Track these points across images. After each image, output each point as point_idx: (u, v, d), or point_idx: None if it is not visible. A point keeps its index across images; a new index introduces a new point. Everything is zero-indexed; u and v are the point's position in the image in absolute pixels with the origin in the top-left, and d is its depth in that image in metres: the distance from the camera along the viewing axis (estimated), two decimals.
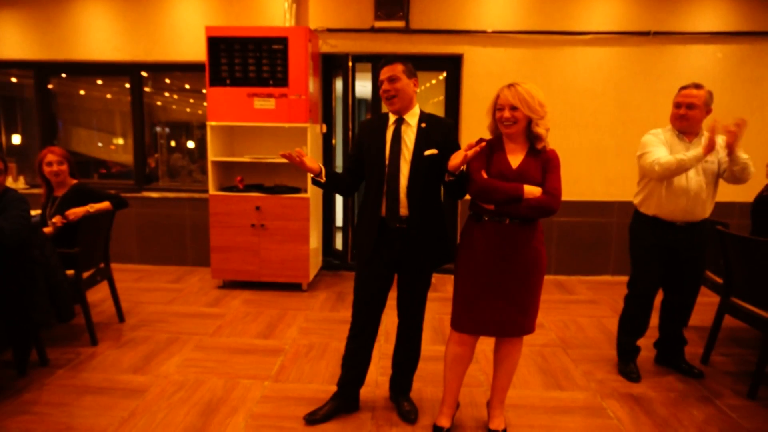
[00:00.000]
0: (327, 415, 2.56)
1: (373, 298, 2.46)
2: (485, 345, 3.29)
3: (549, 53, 4.98)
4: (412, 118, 2.39)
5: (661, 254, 2.93)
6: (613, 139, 5.00)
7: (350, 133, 5.17)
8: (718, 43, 4.91)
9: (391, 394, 2.74)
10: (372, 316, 2.49)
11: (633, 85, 4.97)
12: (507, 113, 2.18)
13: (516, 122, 2.18)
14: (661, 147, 2.80)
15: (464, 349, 2.40)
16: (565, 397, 2.85)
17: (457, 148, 2.34)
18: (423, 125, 2.37)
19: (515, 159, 2.25)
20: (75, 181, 3.54)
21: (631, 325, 3.08)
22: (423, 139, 2.35)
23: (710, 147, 2.57)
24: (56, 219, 3.31)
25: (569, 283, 4.97)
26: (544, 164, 2.23)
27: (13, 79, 5.96)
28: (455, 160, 2.16)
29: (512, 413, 2.65)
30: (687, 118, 2.77)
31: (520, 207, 2.17)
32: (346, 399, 2.62)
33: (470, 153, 2.12)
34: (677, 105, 2.82)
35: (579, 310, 4.24)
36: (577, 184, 4.93)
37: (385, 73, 2.35)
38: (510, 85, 2.20)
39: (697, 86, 2.78)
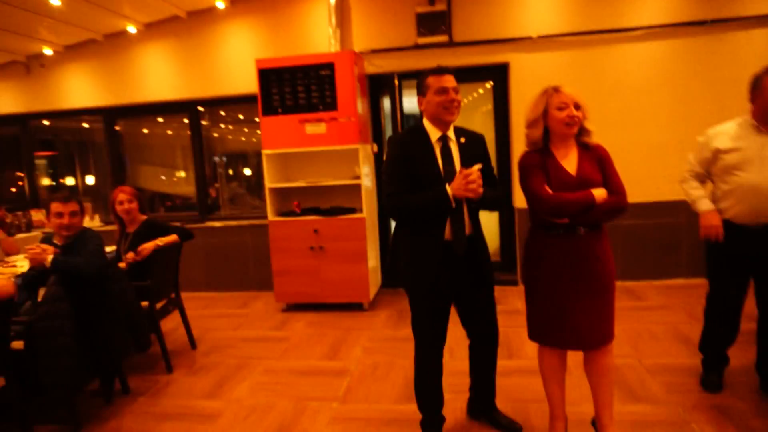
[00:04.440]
0: None
1: (439, 322, 2.39)
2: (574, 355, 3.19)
3: (599, 53, 4.84)
4: (451, 132, 2.33)
5: (737, 261, 2.68)
6: (674, 135, 4.76)
7: None
8: None
9: (472, 413, 2.69)
10: (438, 336, 2.41)
11: (692, 78, 4.73)
12: (574, 111, 2.15)
13: (579, 122, 2.17)
14: (701, 164, 2.71)
15: (557, 356, 2.35)
16: (645, 410, 2.70)
17: (489, 159, 2.41)
18: (462, 140, 2.34)
19: (570, 164, 2.21)
20: (145, 217, 3.74)
21: (712, 334, 2.87)
22: (466, 153, 2.31)
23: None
24: (129, 255, 3.50)
25: (638, 289, 4.76)
26: (598, 162, 2.21)
27: (85, 125, 6.41)
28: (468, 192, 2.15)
29: (587, 430, 2.54)
30: None
31: (593, 213, 2.12)
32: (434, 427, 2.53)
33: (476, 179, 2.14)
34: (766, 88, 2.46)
35: (651, 317, 4.04)
36: (640, 185, 4.72)
37: (450, 81, 2.24)
38: (556, 88, 2.19)
39: None
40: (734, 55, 4.67)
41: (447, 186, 2.17)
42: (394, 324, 4.28)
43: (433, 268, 2.27)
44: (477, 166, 2.20)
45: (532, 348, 3.40)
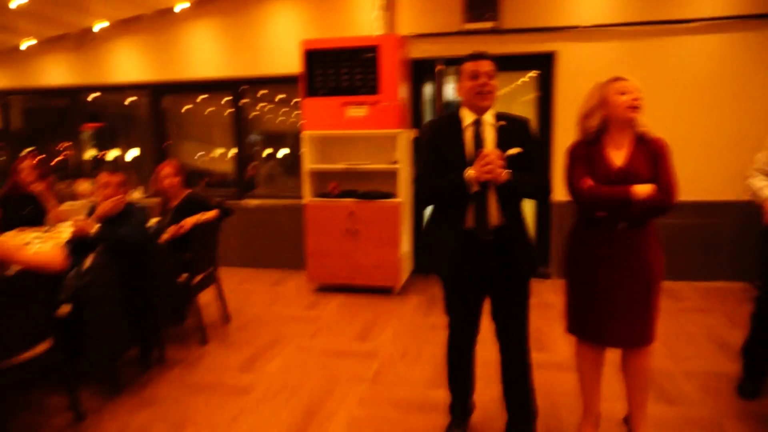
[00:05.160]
0: None
1: (467, 311, 2.33)
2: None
3: (651, 45, 4.66)
4: (490, 117, 2.23)
5: None
6: (731, 133, 4.57)
7: None
8: None
9: None
10: (469, 327, 2.37)
11: (754, 74, 4.51)
12: (637, 94, 2.11)
13: (641, 107, 2.13)
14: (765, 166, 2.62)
15: (595, 352, 2.32)
16: (677, 413, 2.65)
17: (535, 145, 2.27)
18: (502, 123, 2.23)
19: (620, 156, 2.16)
20: (187, 191, 3.82)
21: (758, 339, 2.77)
22: (504, 138, 2.19)
23: None
24: (172, 228, 3.59)
25: (678, 289, 4.63)
26: (653, 156, 2.14)
27: (131, 99, 6.58)
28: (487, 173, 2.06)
29: (615, 428, 2.50)
30: None
31: (633, 209, 2.07)
32: (461, 416, 2.49)
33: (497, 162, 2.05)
34: None
35: (689, 319, 3.93)
36: (690, 183, 4.55)
37: (484, 66, 2.17)
38: (616, 78, 2.18)
39: None
40: None
41: (467, 169, 2.11)
42: (424, 311, 4.29)
43: (455, 255, 2.21)
44: (513, 151, 2.14)
45: (563, 343, 3.38)
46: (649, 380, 2.30)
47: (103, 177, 3.11)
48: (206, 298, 4.43)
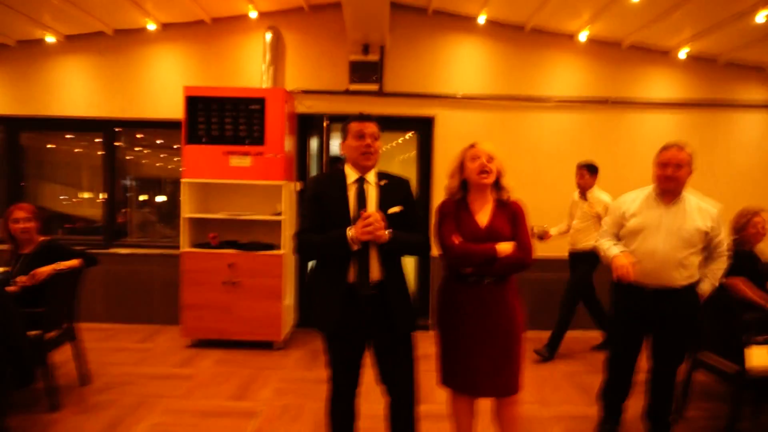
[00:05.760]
0: None
1: (349, 366, 2.32)
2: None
3: (516, 117, 5.24)
4: (372, 175, 2.33)
5: (635, 318, 2.85)
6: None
7: None
8: (671, 111, 5.29)
9: None
10: (351, 381, 2.36)
11: (594, 148, 5.22)
12: (485, 160, 2.29)
13: (491, 172, 2.30)
14: (613, 224, 2.91)
15: (466, 402, 2.41)
16: None
17: (413, 203, 2.39)
18: (383, 182, 2.34)
19: (483, 216, 2.35)
20: (42, 239, 3.46)
21: (611, 385, 3.05)
22: (386, 196, 2.30)
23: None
24: (22, 279, 3.20)
25: (544, 338, 4.99)
26: (512, 217, 2.34)
27: None
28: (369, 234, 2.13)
29: None
30: (675, 178, 2.67)
31: (495, 266, 2.24)
32: None
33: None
34: (663, 165, 2.71)
35: (555, 366, 4.26)
36: (548, 242, 5.03)
37: (369, 127, 2.29)
38: (473, 144, 2.37)
39: (680, 147, 2.70)
40: (629, 132, 5.26)
41: (348, 228, 2.18)
42: (307, 364, 4.19)
43: (337, 310, 2.22)
44: (394, 209, 2.25)
45: (442, 392, 3.46)
46: (519, 427, 2.43)
47: None
48: (62, 357, 3.96)
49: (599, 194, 4.41)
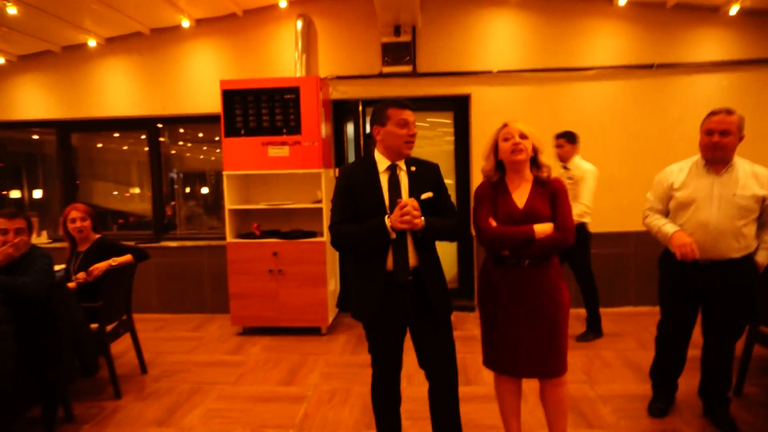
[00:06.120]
0: None
1: (390, 352, 2.34)
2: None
3: (555, 89, 5.07)
4: (402, 162, 2.31)
5: (687, 293, 2.76)
6: (624, 169, 5.02)
7: None
8: (722, 72, 4.98)
9: None
10: (392, 366, 2.38)
11: (640, 117, 5.02)
12: (518, 138, 2.22)
13: (525, 150, 2.23)
14: (659, 200, 2.80)
15: (511, 383, 2.39)
16: None
17: (445, 188, 2.36)
18: (413, 169, 2.31)
19: (521, 197, 2.28)
20: (98, 236, 3.62)
21: (662, 362, 2.98)
22: (416, 183, 2.28)
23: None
24: (80, 275, 3.37)
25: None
26: (551, 196, 2.26)
27: (35, 136, 6.18)
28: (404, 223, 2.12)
29: None
30: (721, 146, 2.52)
31: (534, 247, 2.19)
32: None
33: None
34: (708, 132, 2.56)
35: (602, 344, 4.17)
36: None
37: (412, 115, 2.25)
38: (505, 123, 2.29)
39: (729, 111, 2.54)
40: (678, 98, 4.98)
41: (386, 217, 2.17)
42: (353, 349, 4.25)
43: (376, 298, 2.22)
44: (425, 195, 2.24)
45: (488, 374, 3.46)
46: (566, 409, 2.39)
47: (1, 222, 2.88)
48: (120, 347, 4.17)
49: (581, 162, 4.20)
